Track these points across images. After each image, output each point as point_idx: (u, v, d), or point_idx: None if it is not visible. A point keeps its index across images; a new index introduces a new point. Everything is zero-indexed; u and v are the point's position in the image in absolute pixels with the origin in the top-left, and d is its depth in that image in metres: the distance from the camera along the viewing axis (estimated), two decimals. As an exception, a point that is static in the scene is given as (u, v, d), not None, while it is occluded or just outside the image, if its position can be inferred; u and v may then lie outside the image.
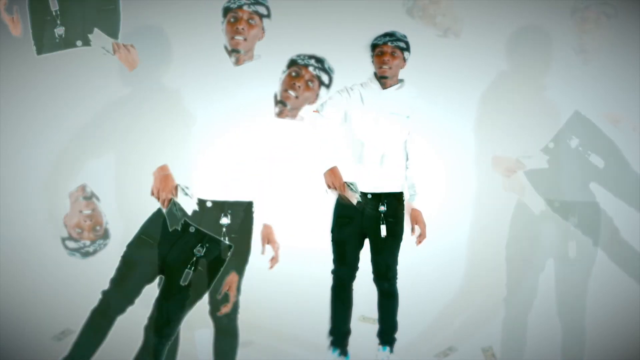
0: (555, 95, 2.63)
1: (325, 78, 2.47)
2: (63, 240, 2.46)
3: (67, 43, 2.95)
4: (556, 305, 2.78)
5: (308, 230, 3.81)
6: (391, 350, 2.93)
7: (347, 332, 2.94)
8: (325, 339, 3.06)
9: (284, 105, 2.46)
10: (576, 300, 2.74)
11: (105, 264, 3.61)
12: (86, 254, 2.30)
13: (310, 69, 2.43)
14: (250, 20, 2.31)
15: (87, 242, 2.26)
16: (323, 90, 2.50)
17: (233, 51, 2.37)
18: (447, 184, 3.59)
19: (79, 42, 2.95)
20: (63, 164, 3.74)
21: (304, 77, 2.43)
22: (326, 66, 2.47)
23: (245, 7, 2.31)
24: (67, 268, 3.53)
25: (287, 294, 3.55)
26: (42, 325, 3.13)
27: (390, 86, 2.81)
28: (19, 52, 3.58)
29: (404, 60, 2.79)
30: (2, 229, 3.55)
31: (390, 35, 2.73)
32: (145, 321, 2.37)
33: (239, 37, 2.32)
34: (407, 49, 2.78)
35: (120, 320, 2.49)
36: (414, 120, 2.79)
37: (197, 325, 2.95)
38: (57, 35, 2.94)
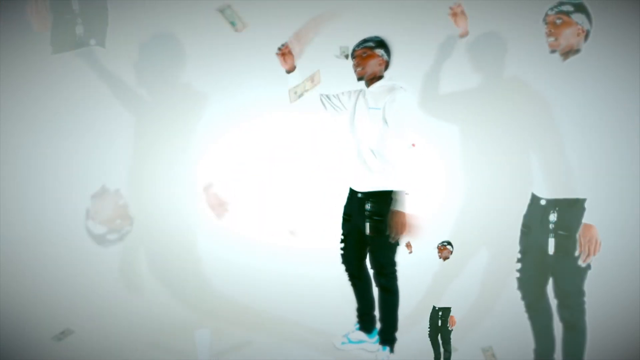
0: (550, 94, 2.61)
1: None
2: (103, 235, 2.59)
3: (82, 42, 3.03)
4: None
5: (308, 230, 3.83)
6: (391, 350, 2.95)
7: (364, 312, 3.12)
8: (325, 338, 3.09)
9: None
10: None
11: (105, 264, 3.64)
12: (122, 239, 2.56)
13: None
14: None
15: (127, 227, 2.50)
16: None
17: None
18: (446, 180, 3.60)
19: (92, 41, 3.03)
20: (64, 164, 3.75)
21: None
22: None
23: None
24: (67, 268, 3.54)
25: (288, 294, 3.56)
26: (42, 325, 3.14)
27: (372, 84, 2.93)
28: (25, 51, 3.59)
29: (380, 56, 2.91)
30: (2, 229, 3.56)
31: (360, 41, 2.93)
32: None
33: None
34: (379, 46, 2.91)
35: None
36: (394, 113, 2.81)
37: (197, 326, 2.96)
38: (76, 34, 3.02)
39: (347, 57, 3.03)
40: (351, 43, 2.96)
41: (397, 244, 2.89)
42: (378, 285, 2.96)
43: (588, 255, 2.38)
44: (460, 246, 3.34)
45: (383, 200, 2.83)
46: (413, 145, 2.79)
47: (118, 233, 2.63)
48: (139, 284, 3.55)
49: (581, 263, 2.41)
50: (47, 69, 3.64)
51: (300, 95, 2.96)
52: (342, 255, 3.08)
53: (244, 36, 3.63)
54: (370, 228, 2.86)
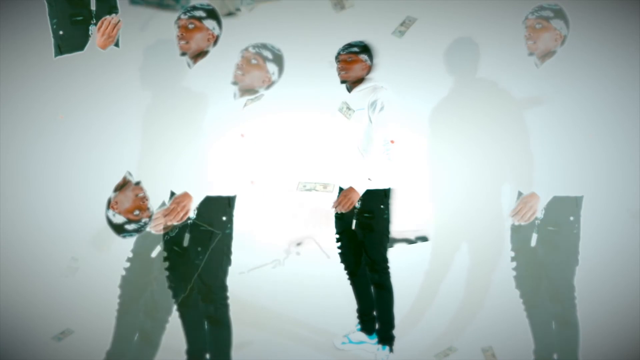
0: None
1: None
2: (122, 225, 2.63)
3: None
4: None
5: (308, 230, 3.84)
6: (391, 350, 2.96)
7: (364, 312, 3.14)
8: (326, 338, 3.10)
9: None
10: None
11: (104, 265, 3.63)
12: (141, 231, 2.60)
13: (250, 49, 2.80)
14: (189, 25, 2.70)
15: (146, 219, 2.55)
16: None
17: (183, 54, 2.78)
18: (432, 178, 3.60)
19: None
20: (64, 163, 3.75)
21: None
22: (268, 45, 2.79)
23: (182, 17, 2.74)
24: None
25: (289, 293, 3.56)
26: (42, 325, 3.14)
27: (355, 87, 2.98)
28: (24, 53, 3.60)
29: (365, 61, 2.96)
30: (2, 229, 3.56)
31: (345, 45, 2.97)
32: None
33: (182, 42, 2.74)
34: (363, 51, 2.96)
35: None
36: (377, 111, 2.87)
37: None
38: (90, 34, 3.07)
39: (349, 112, 3.01)
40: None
41: (388, 240, 2.94)
42: (372, 282, 3.00)
43: (516, 215, 2.46)
44: (464, 248, 3.35)
45: (371, 198, 2.88)
46: (392, 142, 2.83)
47: (136, 224, 2.67)
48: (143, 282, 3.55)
49: (512, 221, 2.50)
50: (50, 69, 3.64)
51: (309, 190, 2.94)
52: (340, 253, 3.12)
53: (244, 37, 3.65)
54: (358, 225, 2.92)
